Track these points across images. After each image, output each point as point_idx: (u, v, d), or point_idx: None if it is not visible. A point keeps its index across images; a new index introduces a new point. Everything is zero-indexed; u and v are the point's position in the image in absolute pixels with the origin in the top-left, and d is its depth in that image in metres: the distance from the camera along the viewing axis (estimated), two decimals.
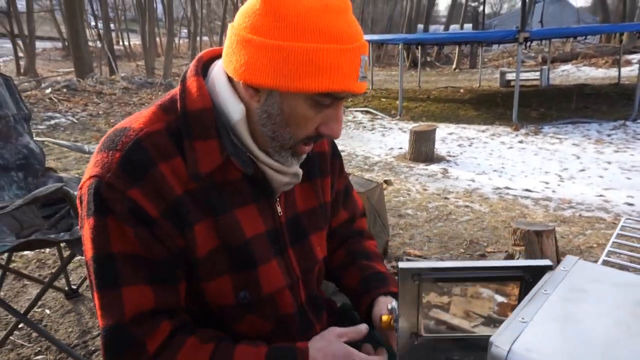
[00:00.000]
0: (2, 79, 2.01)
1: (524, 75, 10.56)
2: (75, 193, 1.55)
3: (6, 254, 2.05)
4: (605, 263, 0.91)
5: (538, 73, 10.71)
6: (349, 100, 9.53)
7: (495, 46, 18.67)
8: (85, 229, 0.69)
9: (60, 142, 2.42)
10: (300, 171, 0.81)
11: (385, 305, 0.87)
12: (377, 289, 0.92)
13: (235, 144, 0.73)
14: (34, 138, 2.14)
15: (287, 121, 0.71)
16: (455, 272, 0.81)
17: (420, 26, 22.67)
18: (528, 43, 7.07)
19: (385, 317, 0.84)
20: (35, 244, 1.52)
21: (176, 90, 0.75)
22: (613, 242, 0.90)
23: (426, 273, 0.79)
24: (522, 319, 0.64)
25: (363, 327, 0.84)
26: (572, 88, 9.73)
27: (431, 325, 2.21)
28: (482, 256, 2.77)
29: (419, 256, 2.76)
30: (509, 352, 0.58)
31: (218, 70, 0.75)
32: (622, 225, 0.99)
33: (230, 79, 0.73)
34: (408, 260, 2.71)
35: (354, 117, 7.88)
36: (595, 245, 2.88)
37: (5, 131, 1.92)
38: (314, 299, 0.90)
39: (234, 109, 0.72)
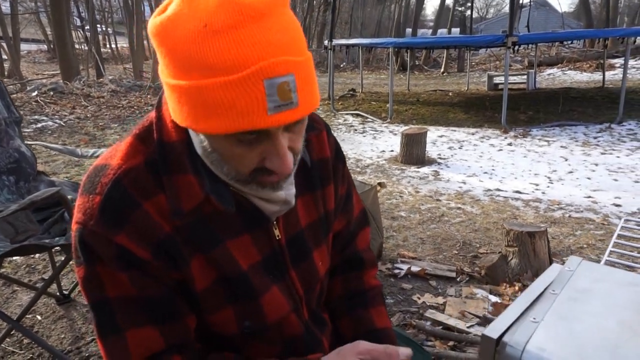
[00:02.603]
0: None
1: (511, 79, 10.69)
2: (69, 197, 1.53)
3: None
4: (607, 263, 0.93)
5: (525, 77, 10.86)
6: (339, 103, 9.58)
7: (482, 50, 18.89)
8: (79, 277, 0.67)
9: (52, 146, 2.38)
10: (292, 196, 0.73)
11: None
12: None
13: (214, 177, 0.67)
14: (24, 142, 2.10)
15: (224, 159, 0.63)
16: None
17: (409, 30, 22.85)
18: (516, 47, 7.16)
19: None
20: (30, 249, 1.49)
21: (152, 116, 0.69)
22: (614, 242, 0.91)
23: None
24: (534, 319, 0.65)
25: (401, 351, 0.73)
26: (558, 91, 9.89)
27: (427, 326, 2.20)
28: (475, 257, 2.79)
29: (413, 258, 2.77)
30: (522, 351, 0.59)
31: None
32: (622, 226, 1.01)
33: None
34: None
35: (345, 120, 7.90)
36: (585, 246, 2.92)
37: None
38: (316, 314, 0.87)
39: (195, 141, 0.66)
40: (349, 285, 0.94)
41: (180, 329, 0.70)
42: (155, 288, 0.67)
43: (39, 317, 2.22)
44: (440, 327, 2.08)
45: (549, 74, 14.02)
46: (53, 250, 2.26)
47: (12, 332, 2.00)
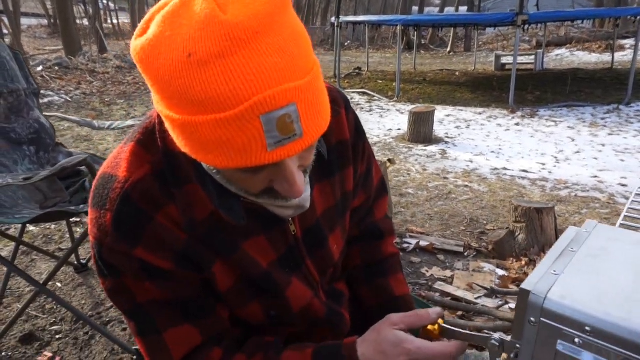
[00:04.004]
0: (12, 53, 2.00)
1: (519, 59, 10.59)
2: (96, 166, 1.57)
3: (19, 228, 2.07)
4: (621, 227, 0.97)
5: (533, 57, 10.74)
6: (345, 82, 9.52)
7: (489, 29, 18.60)
8: (105, 289, 0.67)
9: (69, 117, 2.41)
10: (307, 199, 0.69)
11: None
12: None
13: (224, 189, 0.63)
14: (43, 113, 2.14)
15: (231, 182, 0.61)
16: None
17: (415, 8, 22.47)
18: (525, 26, 7.07)
19: (431, 327, 0.75)
20: (55, 216, 1.54)
21: (154, 118, 0.65)
22: (628, 208, 0.95)
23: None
24: (554, 271, 0.69)
25: (431, 311, 0.74)
26: (566, 72, 9.79)
27: (436, 297, 2.26)
28: (482, 233, 2.84)
29: (422, 233, 2.83)
30: (545, 299, 0.63)
31: None
32: (637, 194, 1.04)
33: None
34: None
35: (352, 99, 7.88)
36: None
37: (17, 105, 1.92)
38: (332, 291, 0.88)
39: None
40: (367, 254, 0.95)
41: (215, 321, 0.70)
42: (183, 290, 0.67)
43: (59, 285, 2.29)
44: (449, 298, 2.14)
45: (557, 55, 13.84)
46: (72, 222, 2.32)
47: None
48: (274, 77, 0.47)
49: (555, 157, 4.47)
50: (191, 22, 0.47)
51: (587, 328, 0.59)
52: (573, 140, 5.06)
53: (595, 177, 3.89)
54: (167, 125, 0.54)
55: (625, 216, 0.92)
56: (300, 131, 0.50)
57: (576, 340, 0.61)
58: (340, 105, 0.83)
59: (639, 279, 0.68)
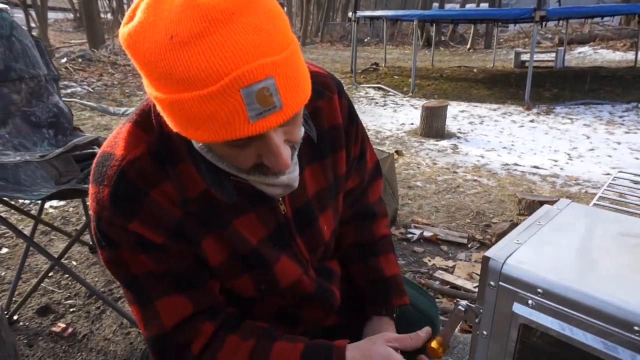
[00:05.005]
0: (34, 40, 2.10)
1: (539, 56, 10.43)
2: None
3: (38, 206, 2.19)
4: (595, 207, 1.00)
5: (553, 54, 10.56)
6: (361, 77, 9.53)
7: (511, 26, 18.32)
8: (103, 260, 0.71)
9: (87, 103, 2.52)
10: (295, 179, 0.70)
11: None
12: (381, 303, 0.95)
13: (215, 168, 0.66)
14: (62, 98, 2.24)
15: (220, 157, 0.64)
16: None
17: (436, 5, 22.24)
18: (544, 22, 6.97)
19: (434, 344, 0.79)
20: (70, 193, 1.64)
21: (149, 100, 0.69)
22: (604, 190, 0.98)
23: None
24: (517, 241, 0.73)
25: (422, 333, 0.82)
26: (586, 70, 9.61)
27: (435, 285, 2.32)
28: (487, 226, 2.86)
29: (427, 224, 2.86)
30: (503, 264, 0.68)
31: None
32: (615, 177, 1.07)
33: None
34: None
35: (366, 93, 7.89)
36: None
37: (37, 90, 2.02)
38: (322, 269, 0.91)
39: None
40: (360, 235, 0.99)
41: (206, 293, 0.74)
42: (176, 263, 0.71)
43: (74, 263, 2.41)
44: (448, 286, 2.18)
45: (579, 53, 13.57)
46: (86, 200, 2.43)
47: (50, 274, 2.19)
48: (251, 53, 0.50)
49: (568, 154, 4.43)
50: (172, 6, 0.51)
51: (539, 290, 0.64)
52: (588, 137, 4.99)
53: (608, 174, 3.85)
54: (157, 106, 0.57)
55: (600, 197, 0.95)
56: (279, 103, 0.53)
57: (529, 302, 0.65)
58: (333, 91, 0.85)
59: (598, 251, 0.72)
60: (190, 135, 0.56)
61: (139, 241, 0.67)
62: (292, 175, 0.70)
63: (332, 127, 0.84)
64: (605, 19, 13.02)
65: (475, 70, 10.61)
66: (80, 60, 8.95)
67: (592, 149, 4.57)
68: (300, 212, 0.81)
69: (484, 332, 0.72)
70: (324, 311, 0.92)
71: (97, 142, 1.41)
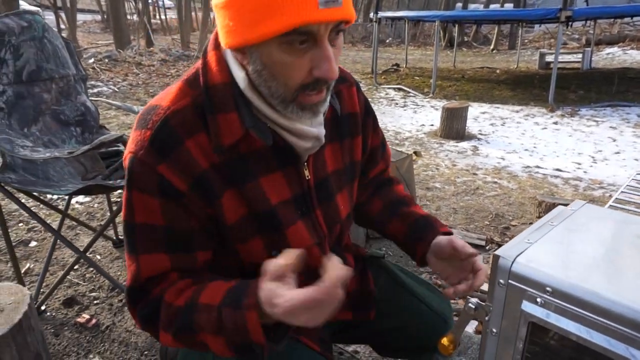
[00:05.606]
0: (64, 42, 2.18)
1: (565, 57, 10.21)
2: None
3: (65, 202, 2.27)
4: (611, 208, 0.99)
5: (580, 55, 10.32)
6: (382, 77, 9.50)
7: (536, 27, 17.95)
8: (122, 198, 0.76)
9: (113, 102, 2.60)
10: (322, 133, 0.79)
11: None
12: (427, 234, 0.94)
13: (254, 115, 0.74)
14: (89, 98, 2.32)
15: (273, 73, 0.69)
16: None
17: (459, 5, 21.98)
18: (570, 23, 6.82)
19: (445, 341, 0.82)
20: (95, 189, 1.70)
21: (199, 64, 0.77)
22: (622, 192, 0.97)
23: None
24: (528, 240, 0.74)
25: (290, 254, 0.70)
26: (614, 71, 9.36)
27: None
28: (506, 229, 2.83)
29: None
30: (513, 262, 0.69)
31: None
32: (633, 179, 1.06)
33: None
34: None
35: (387, 94, 7.87)
36: None
37: (66, 90, 2.10)
38: (338, 251, 0.94)
39: (238, 77, 0.73)
40: (387, 197, 1.04)
41: (189, 259, 0.77)
42: (182, 220, 0.74)
43: (98, 257, 2.49)
44: None
45: (607, 54, 13.22)
46: (111, 200, 2.50)
47: (75, 267, 2.27)
48: None
49: (593, 157, 4.33)
50: None
51: (548, 289, 0.65)
52: (614, 140, 4.87)
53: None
54: (225, 17, 0.66)
55: (616, 199, 0.94)
56: (340, 0, 0.64)
57: (538, 300, 0.66)
58: (352, 82, 0.94)
59: (608, 251, 0.72)
60: (260, 32, 0.63)
61: (160, 184, 0.71)
62: (321, 131, 0.78)
63: (351, 114, 0.91)
64: (636, 18, 12.66)
65: (498, 71, 10.45)
66: (106, 60, 9.19)
67: (617, 152, 4.46)
68: (321, 185, 0.85)
69: (494, 330, 0.73)
70: None
71: (121, 139, 1.47)
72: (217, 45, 0.76)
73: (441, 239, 0.91)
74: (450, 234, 0.95)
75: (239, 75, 0.73)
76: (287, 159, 0.79)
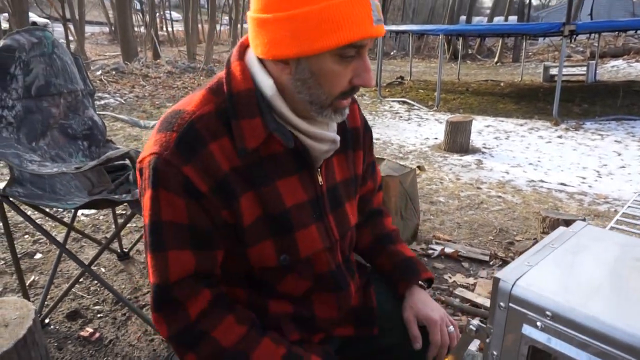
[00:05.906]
0: (72, 57, 2.22)
1: (569, 70, 10.23)
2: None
3: (71, 215, 2.29)
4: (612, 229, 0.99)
5: (584, 68, 10.33)
6: (386, 90, 9.56)
7: (541, 40, 18.02)
8: (145, 198, 0.77)
9: (119, 116, 2.63)
10: (338, 137, 0.85)
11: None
12: (410, 277, 1.04)
13: (276, 120, 0.79)
14: (96, 112, 2.35)
15: (320, 82, 0.75)
16: None
17: (463, 18, 22.14)
18: (574, 36, 6.85)
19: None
20: (101, 203, 1.72)
21: (222, 73, 0.82)
22: (623, 213, 0.97)
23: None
24: (528, 263, 0.75)
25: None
26: (619, 84, 9.36)
27: (455, 302, 2.30)
28: (511, 244, 2.82)
29: (448, 240, 2.84)
30: (513, 285, 0.69)
31: (250, 54, 0.81)
32: (635, 200, 1.06)
33: (260, 60, 0.79)
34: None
35: (391, 107, 7.90)
36: None
37: (74, 104, 2.14)
38: (348, 261, 0.98)
39: (266, 85, 0.78)
40: (375, 230, 1.11)
41: (210, 260, 0.80)
42: (203, 219, 0.77)
43: (102, 269, 2.50)
44: (468, 304, 2.16)
45: (612, 66, 13.23)
46: (117, 213, 2.52)
47: (80, 280, 2.28)
48: None
49: (597, 171, 4.32)
50: None
51: (547, 313, 0.65)
52: (619, 154, 4.86)
53: None
54: (276, 31, 0.71)
55: (617, 220, 0.95)
56: (383, 18, 0.73)
57: (538, 324, 0.66)
58: (354, 101, 0.99)
59: (609, 275, 0.72)
60: (319, 45, 0.69)
61: (185, 184, 0.74)
62: (336, 135, 0.86)
63: (353, 128, 0.98)
64: None
65: (502, 84, 10.48)
66: (114, 72, 9.30)
67: (623, 167, 4.45)
68: (332, 192, 0.90)
69: (494, 353, 0.74)
70: (337, 306, 0.95)
71: (128, 155, 1.49)
72: (240, 56, 0.81)
73: (406, 304, 1.01)
74: (431, 280, 1.05)
75: (267, 83, 0.78)
76: (303, 163, 0.84)
